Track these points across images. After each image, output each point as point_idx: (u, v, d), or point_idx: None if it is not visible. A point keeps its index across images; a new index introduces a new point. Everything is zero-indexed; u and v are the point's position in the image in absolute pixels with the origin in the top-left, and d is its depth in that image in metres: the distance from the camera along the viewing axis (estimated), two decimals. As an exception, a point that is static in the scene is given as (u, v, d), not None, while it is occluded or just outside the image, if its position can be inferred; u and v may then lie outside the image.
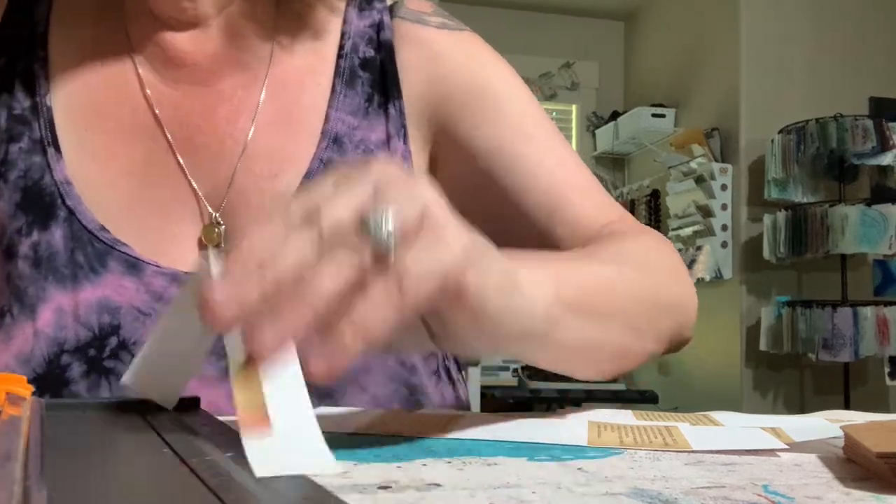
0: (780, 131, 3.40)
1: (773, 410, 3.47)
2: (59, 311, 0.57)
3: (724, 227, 3.62)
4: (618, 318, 0.50)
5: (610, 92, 4.55)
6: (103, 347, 0.56)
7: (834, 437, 0.43)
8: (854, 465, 0.37)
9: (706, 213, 3.64)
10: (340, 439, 0.41)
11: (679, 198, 3.86)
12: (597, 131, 4.49)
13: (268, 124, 0.63)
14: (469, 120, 0.65)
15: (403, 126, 0.65)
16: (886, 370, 3.22)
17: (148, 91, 0.63)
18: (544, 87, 4.38)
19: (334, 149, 0.62)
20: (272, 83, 0.64)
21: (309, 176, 0.61)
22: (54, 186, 0.60)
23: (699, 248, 3.72)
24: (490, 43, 0.71)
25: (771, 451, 0.40)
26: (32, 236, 0.58)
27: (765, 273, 3.54)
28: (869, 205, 3.21)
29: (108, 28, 0.65)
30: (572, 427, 0.46)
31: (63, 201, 0.59)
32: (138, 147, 0.62)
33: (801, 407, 3.49)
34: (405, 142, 0.65)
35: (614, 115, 4.34)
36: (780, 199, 3.39)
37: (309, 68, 0.65)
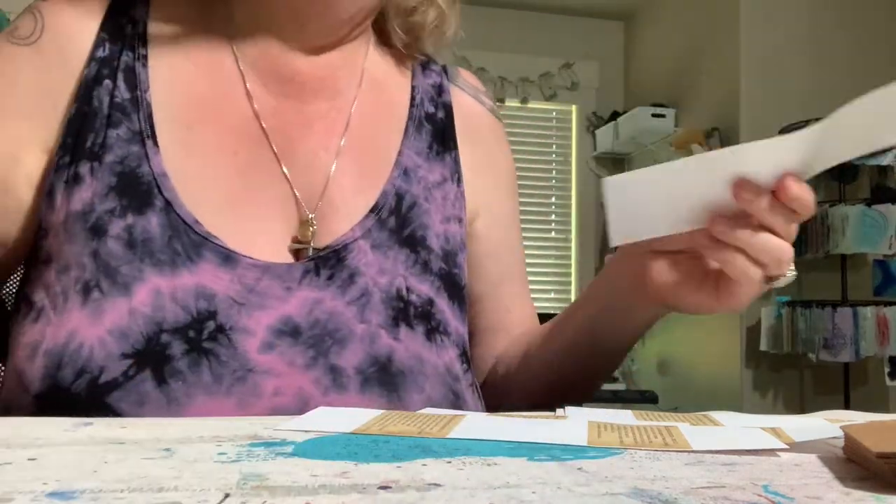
0: (780, 131, 3.39)
1: (773, 410, 3.47)
2: (156, 293, 0.59)
3: (724, 227, 3.61)
4: None
5: (610, 92, 4.55)
6: (202, 330, 0.59)
7: (834, 437, 0.43)
8: (854, 465, 0.37)
9: (706, 213, 3.64)
10: (340, 439, 0.41)
11: (679, 198, 3.86)
12: (597, 131, 4.48)
13: (354, 146, 0.71)
14: (493, 193, 0.81)
15: (458, 172, 0.76)
16: (886, 370, 3.22)
17: (255, 103, 0.69)
18: (544, 87, 4.38)
19: (403, 178, 0.72)
20: (360, 111, 0.73)
21: (384, 196, 0.70)
22: (151, 177, 0.63)
23: (699, 248, 3.71)
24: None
25: (771, 451, 0.40)
26: (126, 219, 0.61)
27: (765, 273, 3.54)
28: (869, 205, 3.20)
29: (210, 34, 0.70)
30: (572, 427, 0.46)
31: (160, 191, 0.62)
32: (241, 150, 0.67)
33: (801, 407, 3.49)
34: (459, 184, 0.76)
35: (614, 116, 4.34)
36: (780, 199, 3.38)
37: (389, 107, 0.76)
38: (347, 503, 0.29)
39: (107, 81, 0.65)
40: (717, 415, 0.53)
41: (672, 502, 0.30)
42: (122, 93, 0.65)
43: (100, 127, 0.64)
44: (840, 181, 3.32)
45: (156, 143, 0.64)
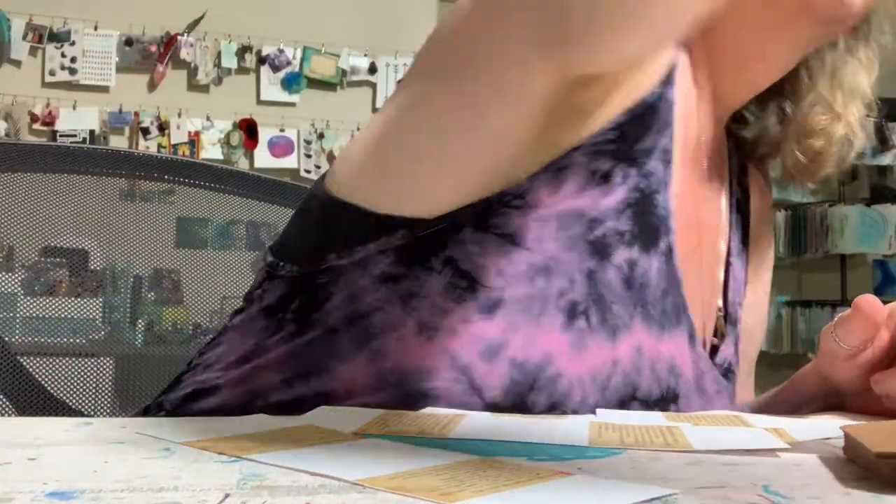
0: (780, 131, 3.40)
1: (773, 410, 3.47)
2: (638, 351, 0.51)
3: (724, 227, 3.62)
4: None
5: (610, 92, 4.55)
6: (666, 410, 0.52)
7: (834, 437, 0.43)
8: (854, 465, 0.37)
9: (706, 213, 3.65)
10: (341, 439, 0.41)
11: (679, 198, 3.86)
12: (597, 131, 4.49)
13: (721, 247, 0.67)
14: (758, 281, 0.72)
15: (747, 273, 0.69)
16: (886, 370, 3.22)
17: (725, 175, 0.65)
18: (544, 87, 4.38)
19: (734, 285, 0.66)
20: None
21: (733, 307, 0.65)
22: (664, 210, 0.54)
23: (699, 248, 3.72)
24: None
25: (771, 451, 0.40)
26: (632, 251, 0.52)
27: (764, 273, 3.54)
28: (869, 205, 3.21)
29: (708, 98, 0.62)
30: (573, 427, 0.46)
31: (667, 232, 0.54)
32: (707, 207, 0.62)
33: (800, 407, 3.50)
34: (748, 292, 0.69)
35: (614, 115, 4.34)
36: (780, 198, 3.39)
37: (718, 190, 0.66)
38: (347, 503, 0.29)
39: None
40: (748, 416, 0.53)
41: (672, 502, 0.30)
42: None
43: (652, 130, 0.54)
44: (840, 181, 3.32)
45: (670, 174, 0.55)
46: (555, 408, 0.49)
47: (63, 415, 0.85)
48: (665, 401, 0.52)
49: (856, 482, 0.34)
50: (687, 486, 0.32)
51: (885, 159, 3.22)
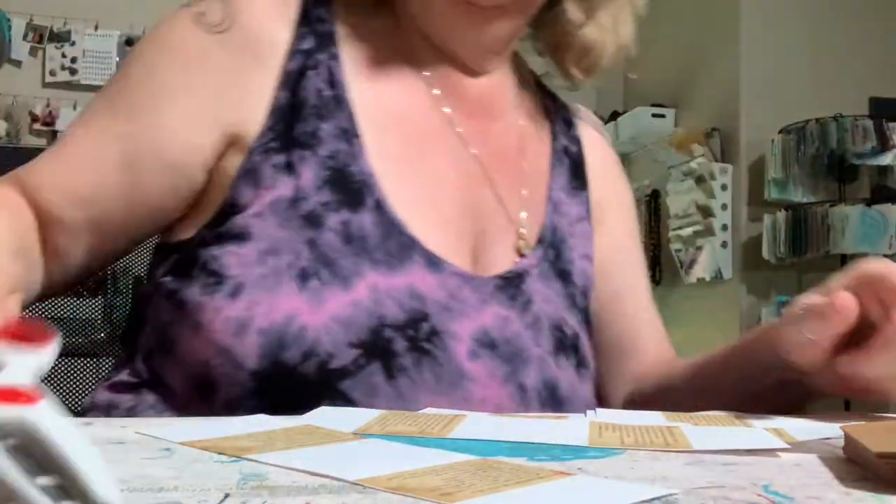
0: (780, 131, 3.40)
1: (773, 410, 3.47)
2: (374, 289, 0.59)
3: (724, 227, 3.62)
4: None
5: (610, 92, 4.55)
6: (418, 329, 0.60)
7: (834, 437, 0.43)
8: (854, 465, 0.37)
9: (706, 213, 3.65)
10: (341, 439, 0.41)
11: (679, 198, 3.86)
12: (597, 131, 4.49)
13: (521, 168, 0.73)
14: (609, 222, 0.80)
15: (589, 210, 0.77)
16: (886, 370, 3.22)
17: (442, 108, 0.70)
18: (544, 87, 4.38)
19: (554, 212, 0.74)
20: (518, 133, 0.75)
21: (545, 229, 0.72)
22: (362, 176, 0.63)
23: (699, 248, 3.72)
24: None
25: (771, 451, 0.40)
26: (342, 214, 0.62)
27: (765, 273, 3.54)
28: (869, 205, 3.21)
29: (391, 43, 0.71)
30: (573, 427, 0.46)
31: (370, 191, 0.63)
32: (429, 155, 0.68)
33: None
34: (590, 223, 0.77)
35: (614, 115, 4.34)
36: (781, 199, 3.39)
37: (539, 135, 0.77)
38: (347, 503, 0.29)
39: (310, 73, 0.65)
40: (747, 416, 0.53)
41: (672, 502, 0.30)
42: (325, 89, 0.66)
43: (309, 118, 0.64)
44: (840, 181, 3.32)
45: (361, 144, 0.65)
46: (310, 356, 0.56)
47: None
48: (416, 321, 0.60)
49: (856, 482, 0.34)
50: (687, 486, 0.32)
51: (885, 159, 3.22)
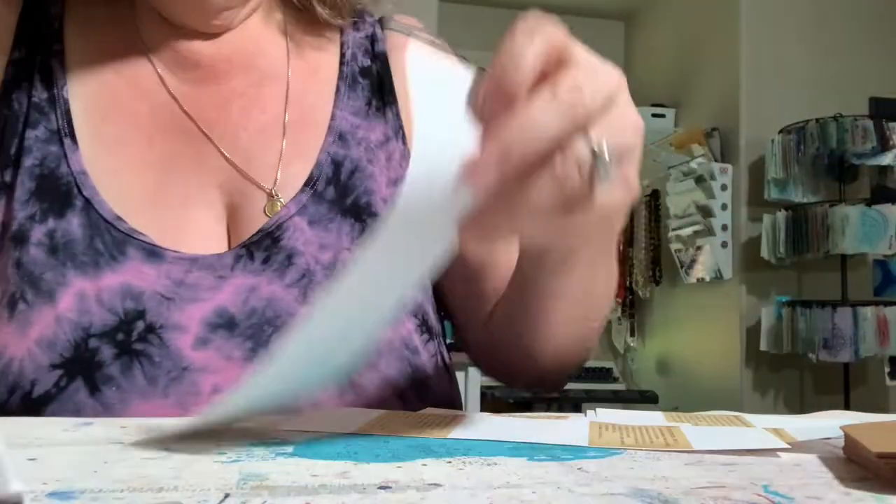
0: (780, 131, 3.40)
1: (774, 410, 3.47)
2: (81, 297, 0.57)
3: (724, 227, 3.62)
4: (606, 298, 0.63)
5: (610, 92, 4.55)
6: (131, 331, 0.57)
7: (834, 437, 0.43)
8: (854, 465, 0.37)
9: (706, 213, 3.65)
10: (340, 439, 0.41)
11: (679, 198, 3.86)
12: (597, 131, 4.48)
13: (278, 118, 0.67)
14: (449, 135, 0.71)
15: (401, 128, 0.70)
16: (886, 370, 3.22)
17: (170, 90, 0.66)
18: (544, 87, 4.37)
19: (339, 144, 0.67)
20: (281, 82, 0.69)
21: (318, 167, 0.65)
22: (70, 176, 0.61)
23: (699, 248, 3.72)
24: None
25: (771, 451, 0.40)
26: (48, 223, 0.59)
27: (765, 273, 3.54)
28: (869, 205, 3.21)
29: (121, 27, 0.68)
30: (573, 427, 0.46)
31: (79, 191, 0.60)
32: (157, 139, 0.64)
33: (801, 407, 3.49)
34: (403, 142, 0.70)
35: (614, 115, 4.33)
36: (780, 199, 3.39)
37: (315, 72, 0.71)
38: (347, 503, 0.29)
39: (25, 83, 0.63)
40: (747, 416, 0.53)
41: (672, 502, 0.30)
42: (40, 92, 0.63)
43: (17, 129, 0.62)
44: (840, 181, 3.33)
45: (74, 141, 0.62)
46: (15, 389, 0.54)
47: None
48: (129, 322, 0.57)
49: (856, 482, 0.34)
50: (687, 486, 0.32)
51: (885, 159, 3.22)
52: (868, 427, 0.39)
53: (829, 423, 0.49)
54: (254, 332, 0.59)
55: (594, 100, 0.38)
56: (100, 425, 0.45)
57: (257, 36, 0.70)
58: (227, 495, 0.29)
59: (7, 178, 0.61)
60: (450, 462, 0.36)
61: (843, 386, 3.25)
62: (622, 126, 0.39)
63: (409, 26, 0.75)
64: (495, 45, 0.39)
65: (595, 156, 0.37)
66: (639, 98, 4.32)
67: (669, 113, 4.10)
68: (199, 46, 0.68)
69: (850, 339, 3.12)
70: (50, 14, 0.67)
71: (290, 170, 0.65)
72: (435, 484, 0.32)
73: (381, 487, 0.31)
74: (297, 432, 0.43)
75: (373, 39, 0.74)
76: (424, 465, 0.36)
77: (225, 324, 0.59)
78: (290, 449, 0.39)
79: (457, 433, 0.44)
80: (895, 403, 3.52)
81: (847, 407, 3.02)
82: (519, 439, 0.42)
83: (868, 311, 3.16)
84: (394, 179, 0.68)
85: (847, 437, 0.39)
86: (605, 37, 4.63)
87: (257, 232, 0.62)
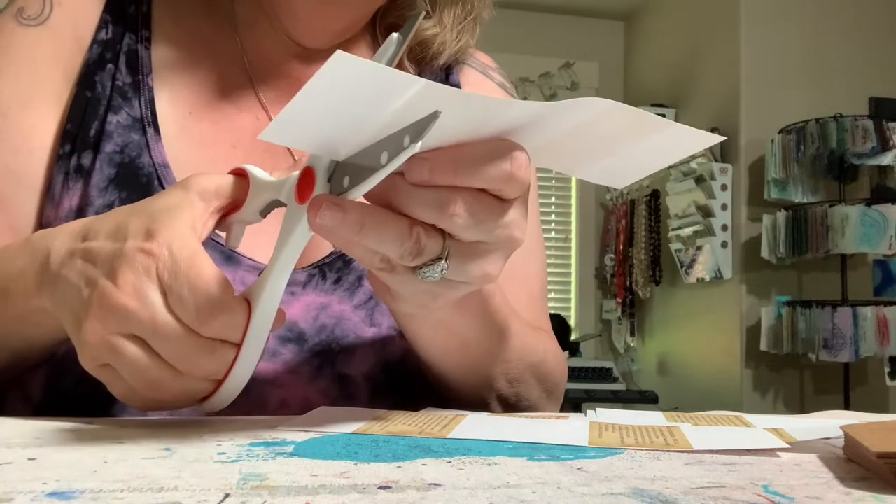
0: (780, 131, 3.40)
1: (774, 410, 3.47)
2: None
3: (724, 227, 3.62)
4: (502, 353, 0.58)
5: (610, 92, 4.55)
6: None
7: (834, 437, 0.43)
8: (854, 465, 0.37)
9: (706, 213, 3.64)
10: (340, 439, 0.41)
11: (679, 198, 3.86)
12: (597, 131, 4.48)
13: None
14: None
15: None
16: (886, 370, 3.22)
17: (258, 91, 0.66)
18: (544, 87, 4.38)
19: None
20: None
21: None
22: (152, 167, 0.60)
23: (699, 248, 3.72)
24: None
25: (771, 451, 0.40)
26: None
27: (765, 273, 3.54)
28: (869, 205, 3.21)
29: (215, 19, 0.67)
30: (573, 427, 0.46)
31: (160, 183, 0.59)
32: (241, 144, 0.64)
33: (801, 407, 3.49)
34: None
35: (614, 115, 4.34)
36: (780, 199, 3.39)
37: None
38: (347, 503, 0.29)
39: (109, 65, 0.62)
40: (747, 416, 0.53)
41: (672, 502, 0.30)
42: (124, 76, 0.62)
43: (100, 112, 0.61)
44: (840, 181, 3.32)
45: (157, 132, 0.61)
46: (83, 382, 0.52)
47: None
48: None
49: (856, 482, 0.34)
50: (687, 486, 0.32)
51: (885, 159, 3.22)
52: (868, 427, 0.39)
53: (829, 423, 0.49)
54: (322, 348, 0.59)
55: (491, 224, 0.40)
56: (100, 425, 0.45)
57: None
58: (227, 495, 0.29)
59: (86, 161, 0.59)
60: (450, 462, 0.36)
61: (843, 386, 3.25)
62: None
63: (485, 65, 0.78)
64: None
65: (437, 260, 0.41)
66: (639, 98, 4.34)
67: (669, 113, 4.09)
68: (290, 64, 0.68)
69: (850, 339, 3.11)
70: None
71: None
72: (435, 484, 0.32)
73: (381, 487, 0.31)
74: (298, 432, 0.43)
75: (448, 71, 0.75)
76: (424, 465, 0.36)
77: (295, 338, 0.59)
78: (290, 449, 0.39)
79: (457, 433, 0.44)
80: (895, 403, 3.52)
81: (847, 407, 3.01)
82: (519, 439, 0.42)
83: (868, 311, 3.15)
84: None
85: (847, 437, 0.39)
86: (605, 37, 4.63)
87: (330, 254, 0.62)
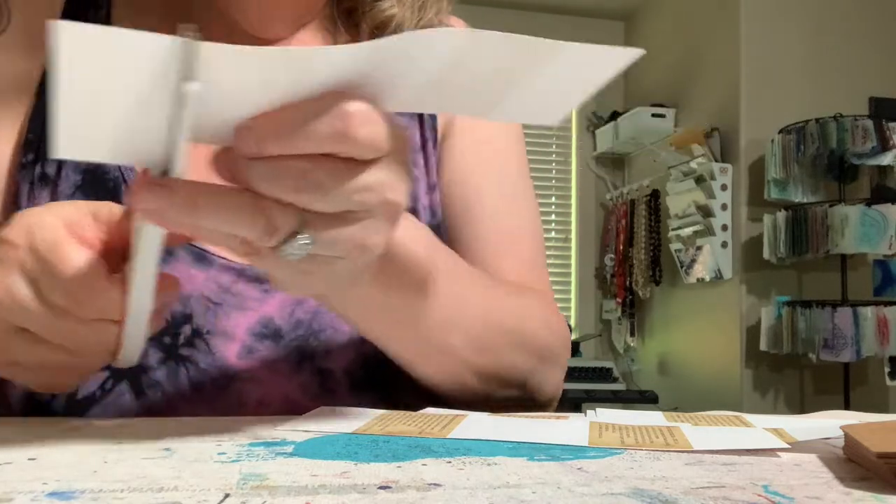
0: (780, 131, 3.40)
1: (774, 410, 3.47)
2: None
3: (724, 227, 3.62)
4: (458, 321, 0.54)
5: (610, 92, 4.55)
6: (177, 335, 0.57)
7: (834, 437, 0.43)
8: (854, 465, 0.37)
9: (706, 213, 3.64)
10: (340, 439, 0.41)
11: (679, 198, 3.86)
12: (597, 131, 4.48)
13: None
14: (458, 136, 0.70)
15: (435, 128, 0.70)
16: (886, 370, 3.22)
17: None
18: (544, 87, 4.37)
19: None
20: None
21: None
22: (118, 171, 0.59)
23: (699, 248, 3.71)
24: None
25: (771, 451, 0.40)
26: None
27: (765, 273, 3.54)
28: (869, 205, 3.20)
29: (173, 25, 0.66)
30: (573, 427, 0.46)
31: (128, 188, 0.58)
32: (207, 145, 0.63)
33: (801, 407, 3.49)
34: (436, 144, 0.69)
35: (614, 115, 4.34)
36: (780, 199, 3.39)
37: None
38: (347, 503, 0.29)
39: None
40: (747, 416, 0.53)
41: (672, 502, 0.30)
42: None
43: None
44: (840, 181, 3.32)
45: None
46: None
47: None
48: (176, 325, 0.56)
49: (856, 482, 0.34)
50: (687, 486, 0.32)
51: (885, 159, 3.22)
52: (868, 427, 0.39)
53: (829, 423, 0.49)
54: (299, 343, 0.58)
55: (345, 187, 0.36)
56: (100, 425, 0.45)
57: (306, 45, 0.70)
58: (227, 495, 0.29)
59: (50, 170, 0.59)
60: (450, 462, 0.36)
61: (843, 386, 3.25)
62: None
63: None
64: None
65: (291, 237, 0.37)
66: (639, 98, 4.34)
67: (669, 113, 4.09)
68: None
69: (851, 339, 3.11)
70: (98, 1, 0.65)
71: None
72: (435, 484, 0.32)
73: (381, 487, 0.31)
74: (298, 432, 0.43)
75: None
76: (424, 465, 0.36)
77: (271, 335, 0.58)
78: (290, 449, 0.39)
79: (457, 433, 0.44)
80: (895, 403, 3.51)
81: (847, 407, 3.01)
82: (519, 439, 0.42)
83: (868, 311, 3.15)
84: (432, 185, 0.68)
85: (847, 437, 0.39)
86: (605, 37, 4.62)
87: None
